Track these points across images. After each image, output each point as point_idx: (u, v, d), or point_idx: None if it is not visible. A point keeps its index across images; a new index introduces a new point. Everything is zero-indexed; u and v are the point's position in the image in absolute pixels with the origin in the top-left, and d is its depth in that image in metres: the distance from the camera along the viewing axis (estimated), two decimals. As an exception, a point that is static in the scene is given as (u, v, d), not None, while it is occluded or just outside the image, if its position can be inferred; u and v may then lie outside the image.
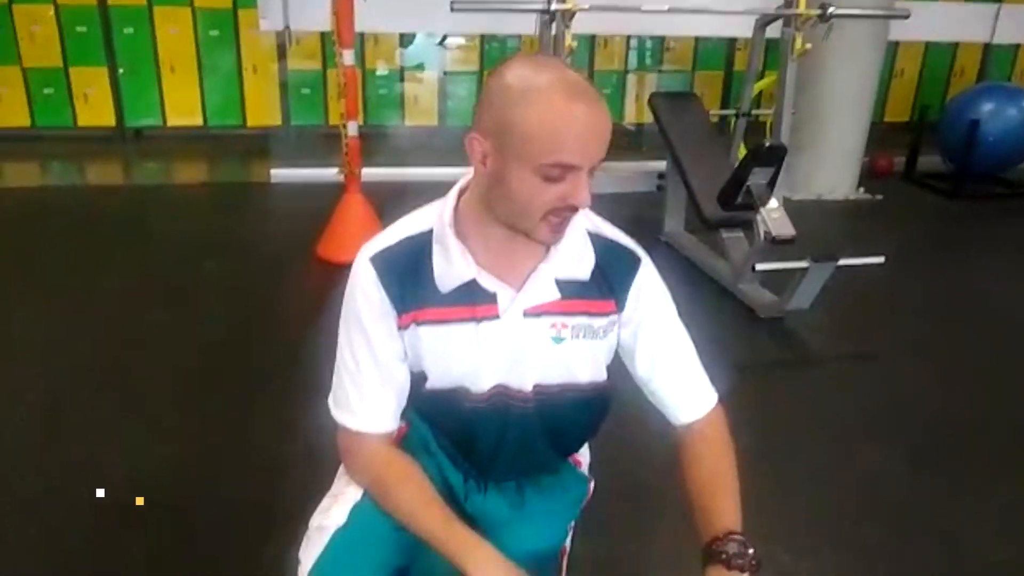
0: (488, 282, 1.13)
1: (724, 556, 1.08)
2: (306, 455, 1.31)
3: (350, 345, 1.18)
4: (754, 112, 4.47)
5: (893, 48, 6.51)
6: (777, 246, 3.07)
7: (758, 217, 3.13)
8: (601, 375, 1.25)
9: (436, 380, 1.20)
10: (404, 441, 1.29)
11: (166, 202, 4.69)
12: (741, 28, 4.75)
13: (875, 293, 3.42)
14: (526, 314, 1.14)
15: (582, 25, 3.69)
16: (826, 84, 4.78)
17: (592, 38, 6.10)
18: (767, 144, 3.13)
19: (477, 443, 1.25)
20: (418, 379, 1.21)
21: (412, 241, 1.15)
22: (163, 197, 4.81)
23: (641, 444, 1.77)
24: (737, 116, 4.38)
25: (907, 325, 3.27)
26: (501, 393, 1.19)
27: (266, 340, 2.85)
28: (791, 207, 4.62)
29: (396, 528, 1.18)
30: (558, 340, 1.17)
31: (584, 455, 1.47)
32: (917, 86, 6.65)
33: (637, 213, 4.08)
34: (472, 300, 1.13)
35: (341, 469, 1.28)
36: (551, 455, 1.33)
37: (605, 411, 1.33)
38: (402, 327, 1.15)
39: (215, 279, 3.43)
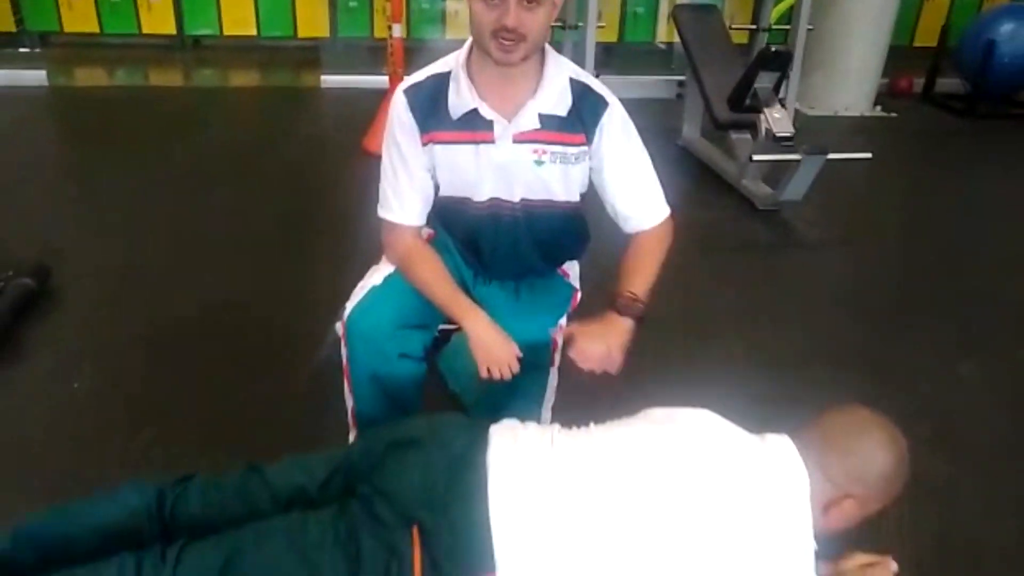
0: (487, 112, 1.52)
1: (617, 305, 1.53)
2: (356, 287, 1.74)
3: (390, 159, 1.60)
4: (776, 27, 4.71)
5: (926, -28, 6.61)
6: (777, 143, 3.39)
7: (761, 117, 3.45)
8: (574, 197, 1.65)
9: (446, 189, 1.62)
10: (431, 243, 1.71)
11: (224, 103, 5.13)
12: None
13: (866, 191, 3.77)
14: (515, 140, 1.54)
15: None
16: (846, 4, 4.97)
17: (627, -45, 6.30)
18: (773, 49, 3.42)
19: (479, 244, 1.68)
20: (435, 189, 1.62)
21: (436, 78, 1.54)
22: (221, 99, 5.25)
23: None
24: (758, 31, 4.62)
25: (890, 219, 3.63)
26: (495, 203, 1.61)
27: (319, 211, 3.30)
28: (807, 121, 4.93)
29: (417, 295, 1.61)
30: (539, 163, 1.56)
31: (572, 270, 1.89)
32: (949, 11, 6.72)
33: (658, 119, 4.37)
34: (474, 127, 1.53)
35: (383, 257, 1.70)
36: (539, 261, 1.74)
37: (580, 229, 1.74)
38: (424, 144, 1.55)
39: (272, 165, 3.87)
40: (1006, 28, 5.08)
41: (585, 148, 1.56)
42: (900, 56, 6.04)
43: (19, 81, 4.91)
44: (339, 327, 1.63)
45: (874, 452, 1.31)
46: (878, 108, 5.28)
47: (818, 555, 1.47)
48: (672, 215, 1.66)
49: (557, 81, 1.51)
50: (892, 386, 2.25)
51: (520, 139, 1.53)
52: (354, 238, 1.79)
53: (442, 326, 1.89)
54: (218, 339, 2.34)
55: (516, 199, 1.60)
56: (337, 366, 1.69)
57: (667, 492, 1.24)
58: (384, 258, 1.72)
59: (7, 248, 2.77)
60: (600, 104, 1.54)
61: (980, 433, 2.12)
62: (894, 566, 1.46)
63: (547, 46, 1.50)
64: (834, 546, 1.42)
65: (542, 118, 1.52)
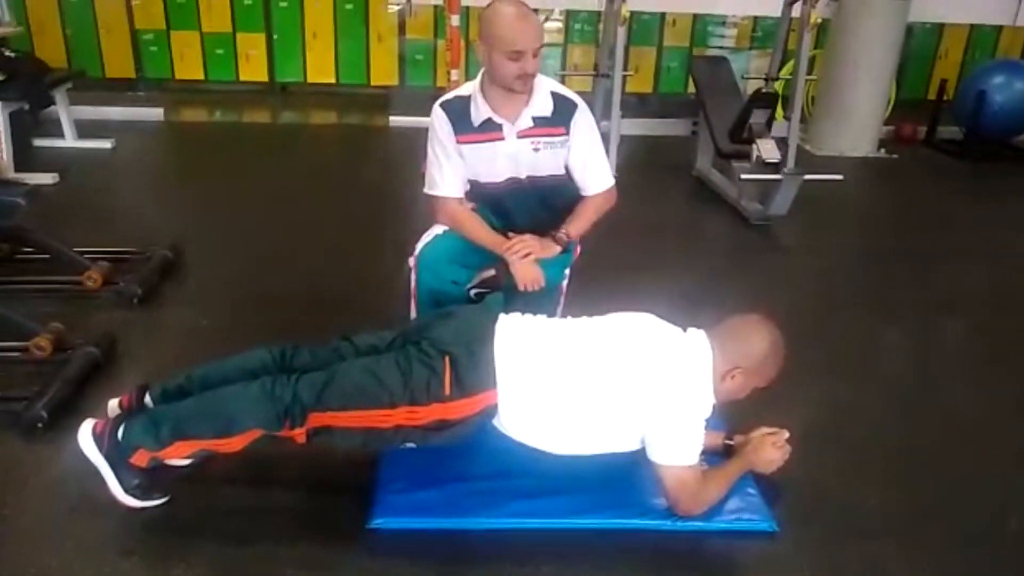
0: (497, 119, 2.26)
1: (552, 235, 2.27)
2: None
3: (434, 151, 2.35)
4: (784, 77, 5.39)
5: (938, 31, 7.23)
6: (766, 167, 4.05)
7: (754, 146, 4.11)
8: (561, 171, 2.37)
9: (474, 175, 2.36)
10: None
11: (307, 136, 6.11)
12: (772, 7, 5.56)
13: (848, 212, 4.49)
14: (518, 136, 2.27)
15: (636, 3, 4.73)
16: (851, 58, 5.64)
17: (662, 17, 7.07)
18: (763, 91, 4.10)
19: (505, 210, 2.40)
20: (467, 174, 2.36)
21: (461, 99, 2.30)
22: (304, 133, 6.23)
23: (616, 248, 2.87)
24: (767, 80, 5.31)
25: (858, 232, 4.36)
26: (511, 181, 2.35)
27: (384, 213, 4.08)
28: (815, 159, 5.57)
29: (465, 243, 2.34)
30: (536, 150, 2.30)
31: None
32: (960, 67, 7.30)
33: (676, 153, 5.11)
34: (490, 130, 2.27)
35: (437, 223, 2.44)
36: (547, 216, 2.45)
37: (571, 191, 2.44)
38: (457, 143, 2.28)
39: (347, 180, 4.73)
40: (997, 80, 5.67)
41: (565, 137, 2.28)
42: (912, 107, 6.67)
43: (142, 116, 5.93)
44: (411, 260, 2.36)
45: (756, 338, 1.95)
46: (882, 151, 5.87)
47: (734, 429, 2.13)
48: (617, 186, 2.41)
49: (542, 93, 2.26)
50: (833, 341, 2.93)
51: (521, 135, 2.26)
52: (411, 233, 2.49)
53: (477, 290, 2.61)
54: (309, 295, 3.10)
55: (523, 176, 2.33)
56: (397, 294, 2.41)
57: (612, 349, 1.92)
58: (437, 224, 2.44)
59: (147, 232, 3.58)
60: (572, 106, 2.28)
61: (893, 372, 2.76)
62: (786, 434, 2.09)
63: None
64: (746, 423, 2.08)
65: (534, 119, 2.25)
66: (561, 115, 2.26)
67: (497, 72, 2.14)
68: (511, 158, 2.29)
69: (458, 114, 2.26)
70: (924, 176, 5.55)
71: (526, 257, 2.26)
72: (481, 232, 2.32)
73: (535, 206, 2.39)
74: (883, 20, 5.49)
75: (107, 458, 1.84)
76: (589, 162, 2.33)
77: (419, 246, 2.36)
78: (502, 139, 2.26)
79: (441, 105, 2.29)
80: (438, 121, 2.28)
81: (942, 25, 7.17)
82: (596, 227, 2.52)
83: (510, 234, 2.36)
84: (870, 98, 5.73)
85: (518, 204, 2.38)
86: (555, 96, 2.26)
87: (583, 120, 2.28)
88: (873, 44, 5.58)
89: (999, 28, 7.23)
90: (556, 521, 1.91)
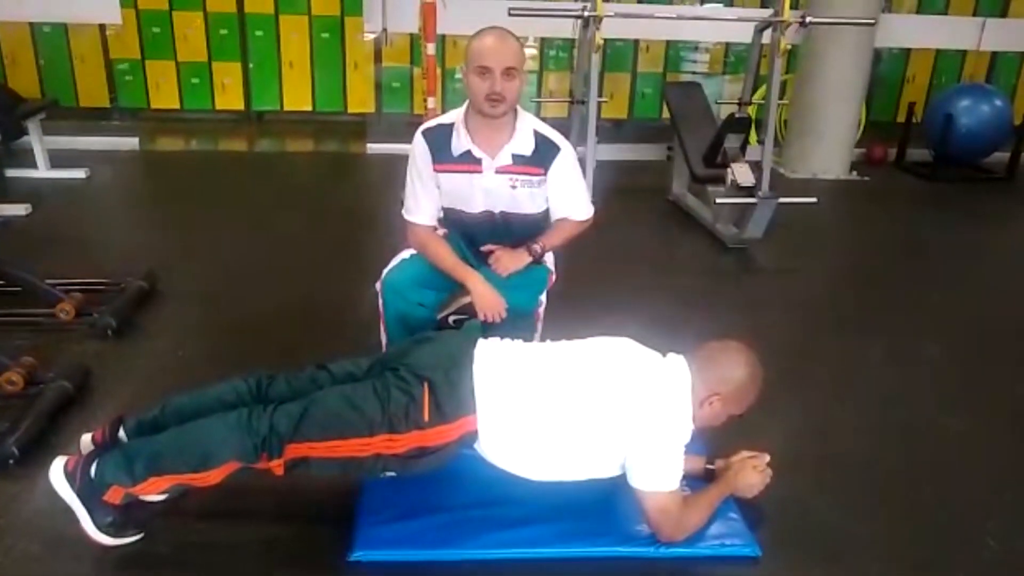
0: (477, 152, 2.27)
1: (528, 246, 2.30)
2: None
3: (411, 178, 2.35)
4: (757, 102, 5.47)
5: (905, 55, 7.39)
6: (741, 191, 4.09)
7: (729, 170, 4.16)
8: (540, 208, 2.38)
9: (450, 203, 2.36)
10: (444, 238, 2.43)
11: (284, 164, 6.07)
12: (743, 34, 5.67)
13: (820, 233, 4.54)
14: (496, 172, 2.27)
15: (610, 30, 4.77)
16: (821, 83, 5.74)
17: (636, 44, 7.16)
18: (736, 116, 4.16)
19: (476, 240, 2.40)
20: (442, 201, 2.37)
21: (443, 127, 2.30)
22: (281, 161, 6.19)
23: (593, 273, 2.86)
24: (740, 104, 5.38)
25: (833, 254, 4.43)
26: (485, 214, 2.36)
27: (361, 238, 4.05)
28: (789, 182, 5.64)
29: (431, 267, 2.34)
30: (513, 187, 2.30)
31: (548, 257, 2.58)
32: (927, 90, 7.46)
33: (651, 178, 5.16)
34: (469, 162, 2.28)
35: (407, 246, 2.44)
36: None
37: (546, 229, 2.44)
38: (435, 171, 2.29)
39: (325, 207, 4.71)
40: (964, 104, 5.79)
41: (544, 177, 2.30)
42: (882, 129, 6.79)
43: (117, 146, 5.88)
44: (378, 285, 2.35)
45: (734, 365, 1.96)
46: (853, 173, 5.97)
47: (715, 453, 2.14)
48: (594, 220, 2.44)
49: (524, 131, 2.26)
50: (812, 363, 2.95)
51: (500, 171, 2.27)
52: (389, 259, 2.49)
53: (455, 317, 2.60)
54: (285, 322, 3.09)
55: (498, 212, 2.34)
56: (374, 319, 2.40)
57: (591, 374, 1.92)
58: (408, 246, 2.44)
59: (121, 262, 3.55)
60: (555, 148, 2.29)
61: (872, 394, 2.78)
62: (767, 457, 2.10)
63: (518, 107, 2.25)
64: (727, 447, 2.08)
65: (514, 156, 2.26)
66: (541, 156, 2.26)
67: (471, 93, 2.15)
68: (487, 192, 2.30)
69: (439, 142, 2.26)
70: (896, 198, 5.65)
71: (502, 270, 2.30)
72: (446, 259, 2.32)
73: (504, 239, 2.40)
74: (850, 45, 5.59)
75: (80, 496, 1.80)
76: (568, 199, 2.35)
77: (385, 270, 2.36)
78: (480, 172, 2.26)
79: (423, 132, 2.29)
80: (418, 148, 2.29)
81: (909, 50, 7.33)
82: (573, 253, 2.53)
83: (487, 247, 2.41)
84: (841, 121, 5.83)
85: (490, 238, 2.39)
86: (537, 135, 2.27)
87: (563, 164, 2.28)
88: (842, 68, 5.68)
89: (963, 53, 7.40)
90: (540, 550, 1.90)
